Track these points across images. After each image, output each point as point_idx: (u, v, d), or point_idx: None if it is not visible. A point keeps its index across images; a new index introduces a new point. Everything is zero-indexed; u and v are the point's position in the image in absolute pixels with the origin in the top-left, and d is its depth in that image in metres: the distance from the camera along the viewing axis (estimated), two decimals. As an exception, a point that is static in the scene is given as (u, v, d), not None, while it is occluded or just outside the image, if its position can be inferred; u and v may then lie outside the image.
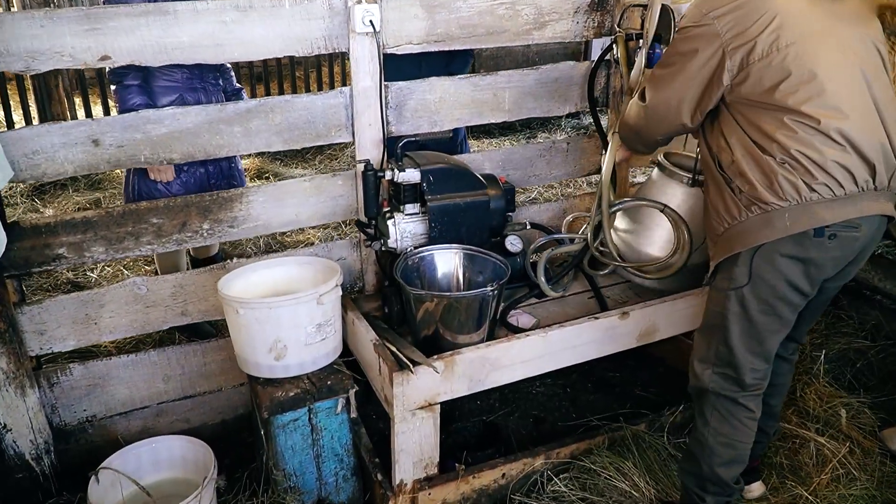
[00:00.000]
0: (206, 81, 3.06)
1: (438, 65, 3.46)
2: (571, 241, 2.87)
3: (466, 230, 2.58)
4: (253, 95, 6.97)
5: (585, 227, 2.81)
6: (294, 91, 6.74)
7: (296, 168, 6.13)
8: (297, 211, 2.68)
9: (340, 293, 2.36)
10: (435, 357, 2.28)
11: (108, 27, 2.19)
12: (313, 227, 4.50)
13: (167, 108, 2.38)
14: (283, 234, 4.45)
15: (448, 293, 2.44)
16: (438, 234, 2.56)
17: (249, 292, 2.47)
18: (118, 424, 2.76)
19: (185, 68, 2.95)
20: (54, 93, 5.99)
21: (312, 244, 3.28)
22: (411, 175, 2.52)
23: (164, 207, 2.49)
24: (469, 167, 2.67)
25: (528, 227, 2.82)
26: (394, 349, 2.34)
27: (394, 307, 2.55)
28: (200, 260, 3.54)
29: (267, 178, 5.82)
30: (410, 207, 2.57)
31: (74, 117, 6.24)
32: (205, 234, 2.58)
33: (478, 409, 3.01)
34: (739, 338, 2.10)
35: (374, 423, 2.80)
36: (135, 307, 2.59)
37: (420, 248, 2.55)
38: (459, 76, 2.77)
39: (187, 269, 3.51)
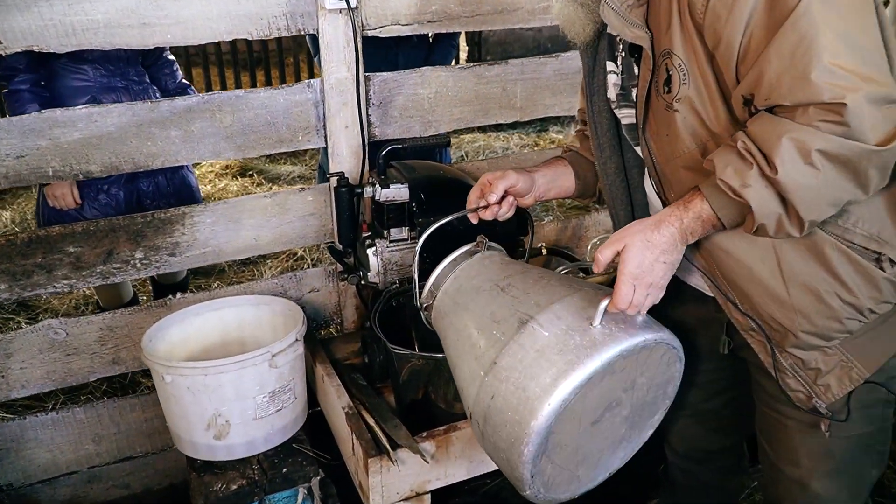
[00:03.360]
0: (128, 79, 2.48)
1: (417, 56, 2.81)
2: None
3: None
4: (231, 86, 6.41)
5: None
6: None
7: (283, 164, 5.59)
8: (257, 234, 2.15)
9: (302, 350, 1.83)
10: (424, 434, 1.75)
11: (-7, 0, 1.66)
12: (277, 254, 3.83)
13: (81, 106, 1.84)
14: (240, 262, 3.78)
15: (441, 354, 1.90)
16: (431, 265, 2.02)
17: (188, 345, 1.94)
18: (41, 494, 2.24)
19: (99, 62, 2.39)
20: None
21: (279, 273, 2.69)
22: (397, 191, 1.98)
23: (82, 233, 1.96)
24: (470, 180, 2.13)
25: (544, 253, 2.28)
26: (371, 422, 1.81)
27: (375, 357, 2.02)
28: (165, 286, 2.97)
29: (251, 175, 5.28)
30: (396, 232, 2.03)
31: None
32: (138, 265, 2.04)
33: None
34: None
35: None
36: (51, 356, 2.06)
37: (409, 286, 2.01)
38: (460, 66, 2.23)
39: (144, 298, 2.98)
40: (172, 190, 2.62)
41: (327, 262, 2.32)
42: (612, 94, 1.50)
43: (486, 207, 1.62)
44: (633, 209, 1.58)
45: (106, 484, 2.31)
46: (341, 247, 2.08)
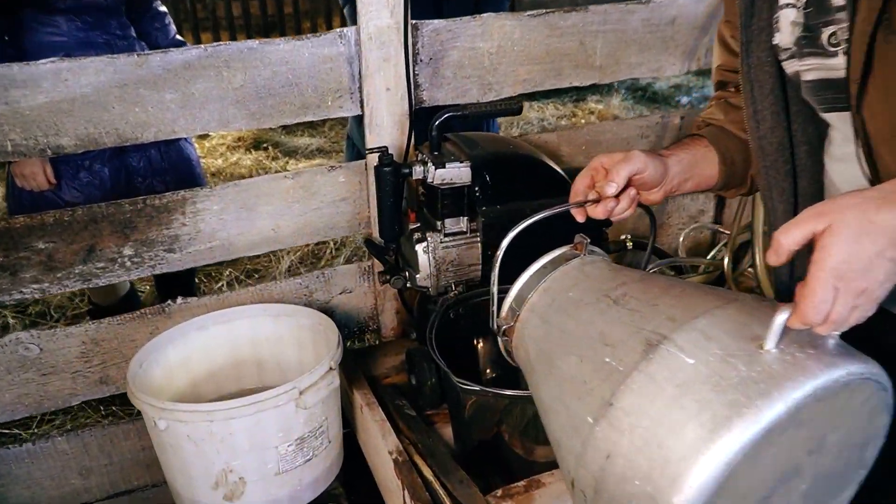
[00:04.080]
0: (110, 33, 2.04)
1: (464, 10, 2.31)
2: (696, 268, 1.88)
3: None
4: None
5: (720, 248, 1.82)
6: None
7: (301, 137, 5.15)
8: (276, 224, 1.72)
9: (337, 382, 1.40)
10: (499, 494, 1.34)
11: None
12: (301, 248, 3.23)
13: (46, 61, 1.40)
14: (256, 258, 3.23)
15: (525, 391, 1.44)
16: (499, 265, 1.60)
17: (190, 369, 1.53)
18: (20, 535, 1.86)
19: (74, 12, 1.95)
20: None
21: (301, 272, 2.22)
22: (456, 172, 1.55)
23: (54, 224, 1.53)
24: (542, 157, 1.68)
25: (630, 247, 1.84)
26: (428, 475, 1.39)
27: (426, 379, 1.60)
28: (166, 279, 2.49)
29: (265, 148, 4.84)
30: (453, 224, 1.60)
31: None
32: (127, 265, 1.62)
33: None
34: None
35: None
36: (22, 376, 1.66)
37: (471, 293, 1.59)
38: (529, 13, 1.77)
39: (144, 293, 2.55)
40: (168, 165, 2.19)
41: (361, 255, 1.89)
42: (785, 37, 1.05)
43: (597, 201, 1.17)
44: (796, 201, 1.13)
45: (97, 523, 1.92)
46: (382, 241, 1.65)
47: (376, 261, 1.81)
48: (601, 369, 0.99)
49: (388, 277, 1.66)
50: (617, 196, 1.14)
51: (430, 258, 1.60)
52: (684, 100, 5.93)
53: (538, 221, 1.17)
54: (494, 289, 1.21)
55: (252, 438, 1.30)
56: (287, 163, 4.64)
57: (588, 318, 1.09)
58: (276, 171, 2.78)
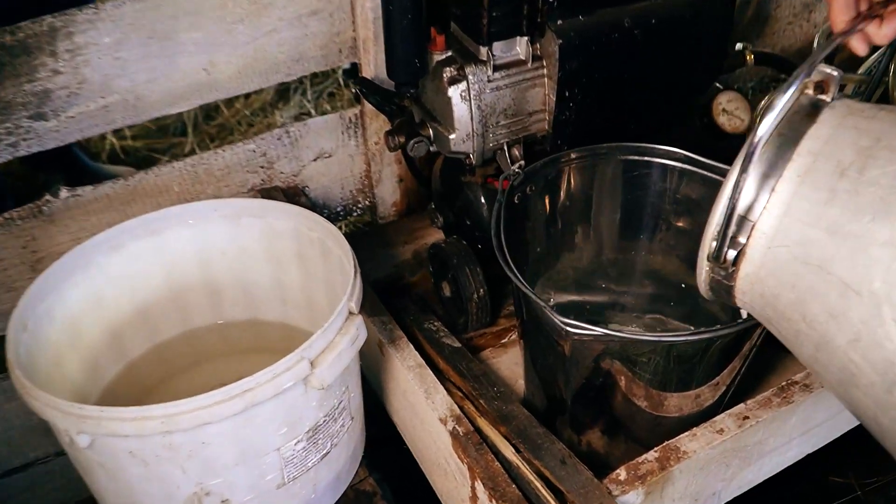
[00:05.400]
0: None
1: None
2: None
3: (645, 95, 1.07)
4: None
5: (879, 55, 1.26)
6: None
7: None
8: (209, 59, 1.07)
9: (364, 333, 0.84)
10: (622, 475, 0.87)
11: None
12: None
13: None
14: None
15: (675, 335, 0.88)
16: (578, 110, 1.03)
17: (107, 315, 0.95)
18: None
19: None
20: None
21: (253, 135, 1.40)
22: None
23: None
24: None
25: (750, 59, 1.26)
26: (510, 454, 0.91)
27: (472, 292, 1.07)
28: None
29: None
30: (506, 48, 1.00)
31: None
32: (-33, 145, 0.97)
33: None
34: None
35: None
36: None
37: (548, 161, 1.02)
38: None
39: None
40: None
41: (341, 99, 1.27)
42: None
43: (874, 18, 0.71)
44: None
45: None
46: (396, 81, 1.03)
47: (367, 108, 1.21)
48: None
49: (399, 140, 1.07)
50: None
51: (473, 107, 1.01)
52: None
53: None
54: (722, 207, 0.66)
55: (239, 445, 0.77)
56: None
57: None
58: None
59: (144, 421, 0.71)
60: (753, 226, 0.66)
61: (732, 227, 0.66)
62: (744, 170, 0.64)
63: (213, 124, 1.38)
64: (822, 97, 0.67)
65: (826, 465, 1.12)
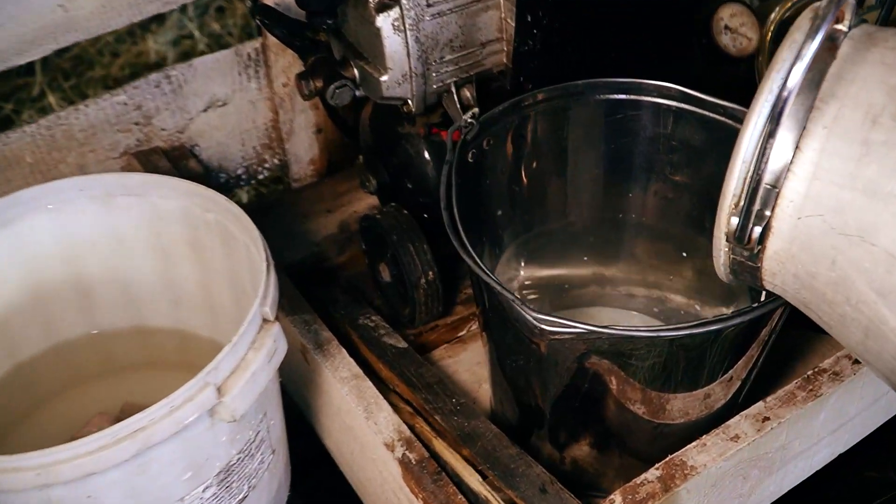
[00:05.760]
0: None
1: None
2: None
3: (629, 14, 0.85)
4: None
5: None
6: None
7: None
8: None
9: (284, 346, 0.63)
10: (616, 500, 0.70)
11: None
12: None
13: None
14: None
15: (677, 327, 0.67)
16: (544, 37, 0.81)
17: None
18: None
19: None
20: None
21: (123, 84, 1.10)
22: None
23: None
24: None
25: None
26: (475, 485, 0.72)
27: (419, 277, 0.86)
28: None
29: None
30: (451, -39, 0.77)
31: None
32: None
33: None
34: None
35: None
36: None
37: (518, 99, 0.80)
38: None
39: None
40: None
41: (236, 28, 1.00)
42: None
43: None
44: None
45: None
46: (308, 10, 0.79)
47: (270, 40, 0.95)
48: None
49: (315, 86, 0.83)
50: None
51: (409, 39, 0.77)
52: None
53: None
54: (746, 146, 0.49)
55: (134, 498, 0.60)
56: None
57: None
58: None
59: (16, 473, 0.53)
60: (778, 193, 0.53)
61: (757, 201, 0.53)
62: (771, 133, 0.49)
63: (66, 57, 1.08)
64: (839, 26, 0.53)
65: (860, 459, 0.99)
